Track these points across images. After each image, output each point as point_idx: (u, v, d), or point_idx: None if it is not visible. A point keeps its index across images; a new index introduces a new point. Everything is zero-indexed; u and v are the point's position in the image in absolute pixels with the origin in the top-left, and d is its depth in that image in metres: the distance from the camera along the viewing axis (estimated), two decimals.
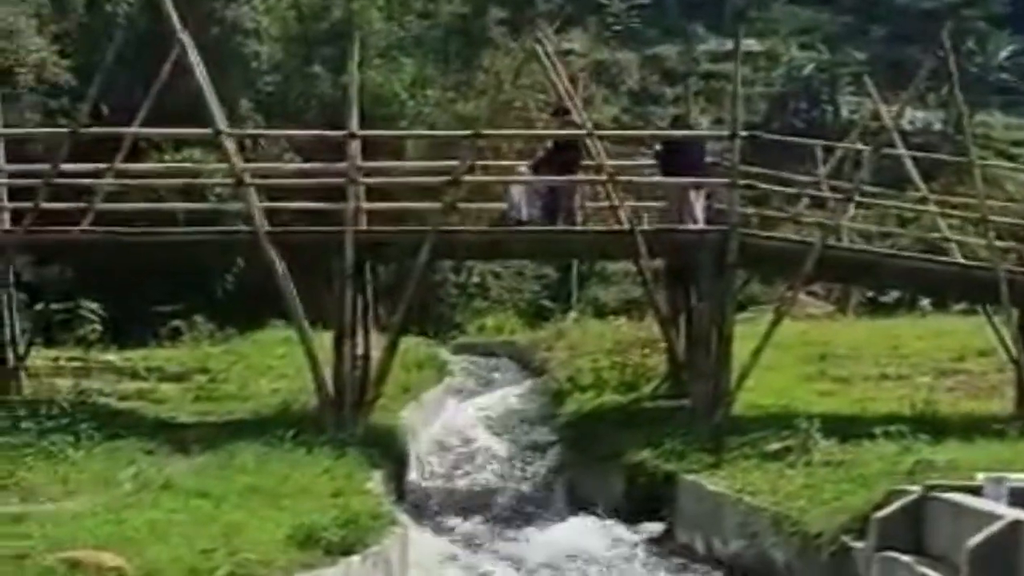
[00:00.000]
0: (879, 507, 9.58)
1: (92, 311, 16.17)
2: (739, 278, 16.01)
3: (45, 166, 14.87)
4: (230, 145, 14.89)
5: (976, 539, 7.57)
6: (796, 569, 10.72)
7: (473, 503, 15.55)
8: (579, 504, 15.04)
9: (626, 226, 14.92)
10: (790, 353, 18.39)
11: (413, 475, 16.20)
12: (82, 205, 15.25)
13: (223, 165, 15.24)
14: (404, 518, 12.87)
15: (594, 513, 14.23)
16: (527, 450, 17.77)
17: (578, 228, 15.48)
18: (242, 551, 7.55)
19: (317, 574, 8.01)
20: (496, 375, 22.56)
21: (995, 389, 16.31)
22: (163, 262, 18.77)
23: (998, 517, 7.69)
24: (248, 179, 14.88)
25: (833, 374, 17.91)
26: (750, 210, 17.44)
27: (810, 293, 27.93)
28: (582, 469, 15.70)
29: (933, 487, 9.18)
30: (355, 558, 8.55)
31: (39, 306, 16.68)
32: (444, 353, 23.07)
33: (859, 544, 9.72)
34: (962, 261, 16.13)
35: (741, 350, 14.95)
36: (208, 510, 9.08)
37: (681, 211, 15.20)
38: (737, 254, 14.51)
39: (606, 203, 16.02)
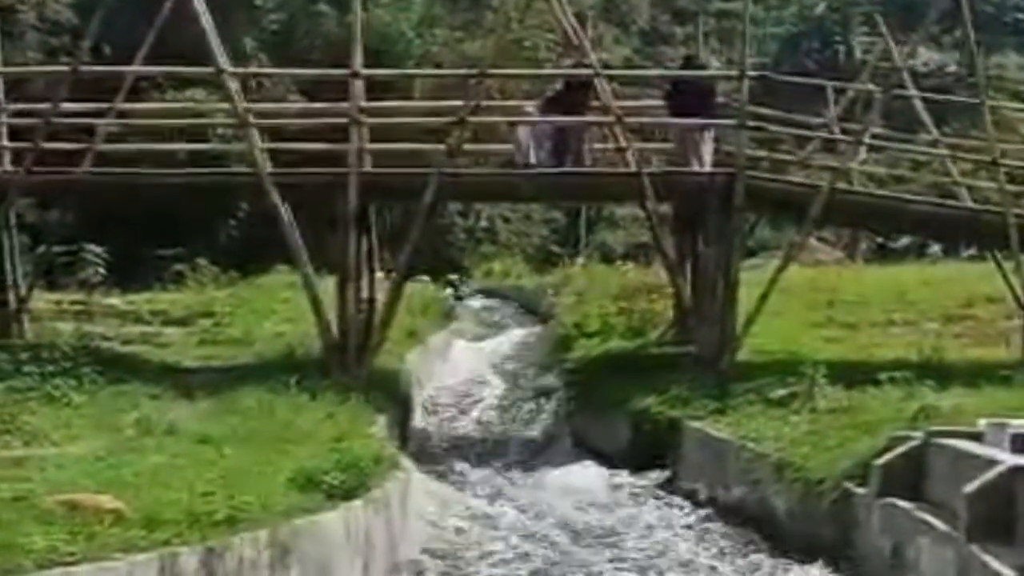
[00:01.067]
0: (881, 453, 9.62)
1: (95, 254, 16.20)
2: (747, 222, 16.02)
3: (46, 105, 14.88)
4: (233, 85, 14.86)
5: (974, 484, 7.62)
6: (797, 516, 10.78)
7: (478, 448, 15.69)
8: (584, 450, 15.17)
9: (633, 168, 14.88)
10: (797, 299, 18.41)
11: (418, 420, 16.30)
12: (83, 146, 15.23)
13: (225, 105, 15.20)
14: (408, 463, 13.01)
15: (599, 459, 14.37)
16: (533, 396, 17.88)
17: (585, 170, 15.47)
18: (242, 495, 7.64)
19: (317, 518, 8.10)
20: (503, 319, 22.64)
21: (1003, 336, 16.32)
22: (165, 204, 18.82)
23: (998, 463, 7.73)
24: (251, 119, 14.87)
25: (840, 320, 17.94)
26: (760, 153, 17.38)
27: (819, 239, 27.92)
28: (587, 415, 15.81)
29: (934, 433, 9.21)
30: (356, 502, 8.63)
31: (41, 249, 16.69)
32: (450, 298, 23.14)
33: (860, 490, 9.77)
34: (972, 205, 16.08)
35: (749, 297, 14.98)
36: (210, 455, 9.14)
37: (688, 153, 15.16)
38: (744, 197, 14.49)
39: (614, 145, 15.96)
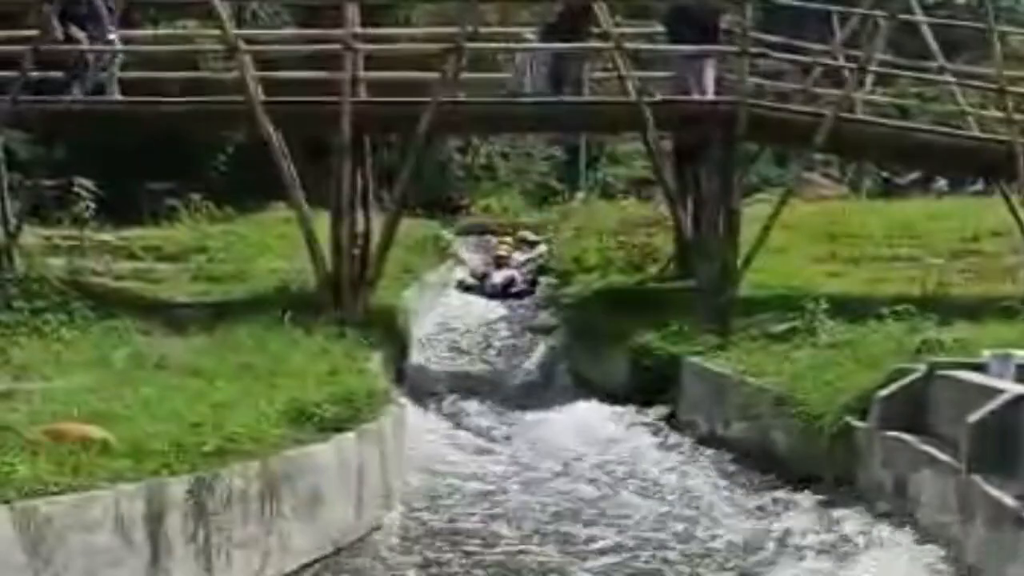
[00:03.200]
0: (883, 386, 9.59)
1: (85, 189, 16.06)
2: (749, 155, 15.89)
3: (33, 32, 14.71)
4: (224, 11, 14.67)
5: (977, 414, 7.58)
6: (797, 450, 10.76)
7: (474, 385, 15.66)
8: (583, 386, 15.15)
9: (633, 97, 14.71)
10: (800, 234, 18.35)
11: (414, 357, 16.28)
12: (71, 75, 15.04)
13: (217, 32, 15.01)
14: (403, 400, 12.99)
15: (598, 395, 14.35)
16: (531, 332, 17.85)
17: (583, 99, 15.31)
18: (232, 426, 7.61)
19: (309, 449, 8.07)
20: None
21: (1008, 271, 16.26)
22: (155, 134, 18.64)
23: (1001, 392, 7.69)
24: (242, 46, 14.68)
25: (843, 256, 17.90)
26: (763, 82, 17.21)
27: (823, 175, 27.78)
28: (586, 351, 15.77)
29: (937, 365, 9.17)
30: (349, 434, 8.60)
31: (30, 183, 16.59)
32: (448, 234, 23.06)
33: (861, 424, 9.75)
34: (979, 134, 15.93)
35: (751, 233, 14.89)
36: (201, 388, 9.10)
37: (689, 82, 14.98)
38: (746, 127, 14.33)
39: (614, 73, 15.78)
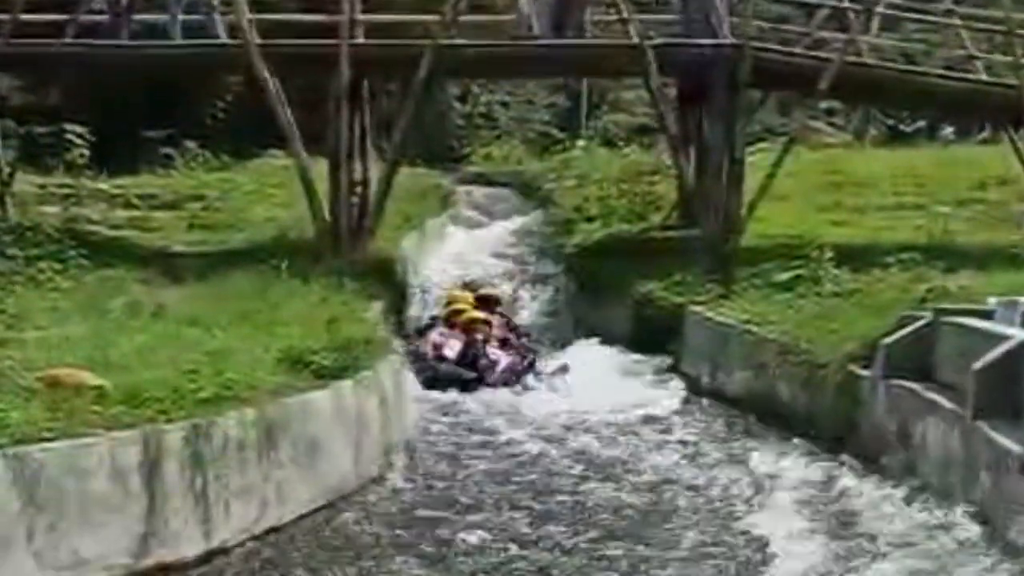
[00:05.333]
0: (888, 334, 9.56)
1: (78, 135, 15.97)
2: (753, 101, 15.78)
3: None
4: None
5: (983, 360, 7.55)
6: (801, 400, 10.75)
7: None
8: (585, 336, 15.10)
9: (635, 40, 14.58)
10: (805, 182, 18.26)
11: (414, 307, 16.24)
12: (64, 17, 14.93)
13: None
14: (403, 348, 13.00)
15: (600, 344, 14.34)
16: (532, 281, 17.79)
17: (586, 42, 15.15)
18: (228, 373, 7.58)
19: (306, 397, 8.04)
20: (502, 205, 22.45)
21: (1015, 218, 16.21)
22: (150, 79, 18.50)
23: (1007, 338, 7.65)
24: None
25: (848, 204, 17.83)
26: (767, 26, 17.07)
27: (828, 123, 27.62)
28: (588, 301, 15.74)
29: (943, 311, 9.13)
30: (347, 382, 8.58)
31: (22, 130, 16.53)
32: (448, 183, 22.94)
33: (866, 372, 9.73)
34: (986, 78, 15.82)
35: (755, 182, 14.83)
36: (197, 336, 9.07)
37: (692, 25, 14.83)
38: (751, 72, 14.23)
39: (616, 16, 15.63)
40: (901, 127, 26.78)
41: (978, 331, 8.34)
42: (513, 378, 13.01)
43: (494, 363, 13.13)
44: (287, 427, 7.69)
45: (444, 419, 11.16)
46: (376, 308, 12.98)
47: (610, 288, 15.15)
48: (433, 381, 12.66)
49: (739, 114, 14.52)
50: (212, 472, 7.01)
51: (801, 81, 15.13)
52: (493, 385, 12.77)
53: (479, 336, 13.43)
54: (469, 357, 13.10)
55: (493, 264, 18.59)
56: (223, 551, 7.03)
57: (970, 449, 7.49)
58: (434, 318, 14.74)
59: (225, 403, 7.31)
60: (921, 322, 9.32)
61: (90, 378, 6.98)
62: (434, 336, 13.80)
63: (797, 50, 15.95)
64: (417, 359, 13.13)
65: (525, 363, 13.40)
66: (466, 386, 12.62)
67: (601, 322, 15.15)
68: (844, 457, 9.34)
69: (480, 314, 13.98)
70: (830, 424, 10.06)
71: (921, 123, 26.62)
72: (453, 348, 13.36)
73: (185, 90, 21.82)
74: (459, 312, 14.04)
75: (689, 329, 13.38)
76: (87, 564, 6.27)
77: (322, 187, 14.52)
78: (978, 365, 7.58)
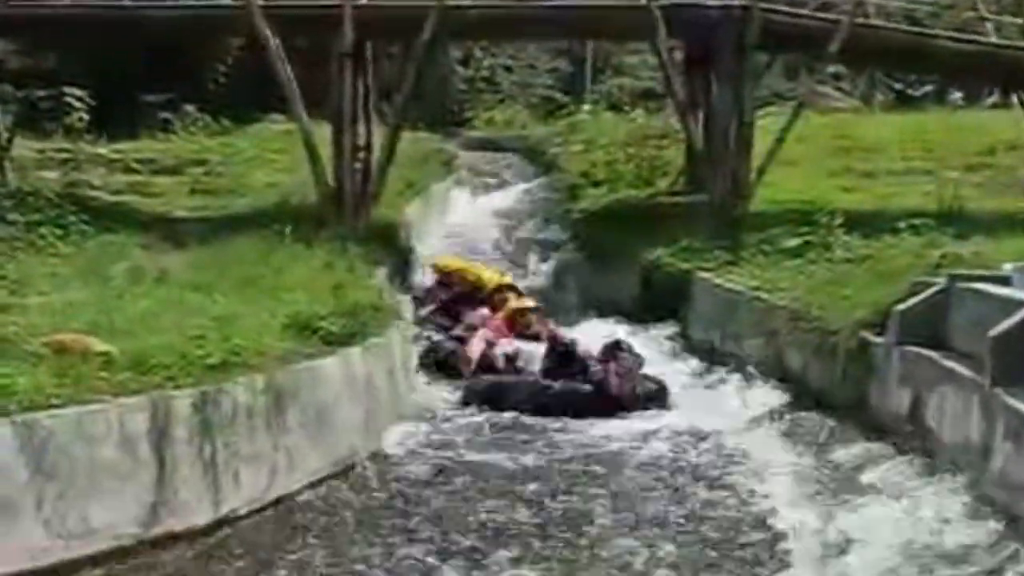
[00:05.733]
0: (901, 301, 9.48)
1: (77, 98, 15.86)
2: (761, 64, 15.65)
3: None
4: None
5: (1001, 327, 7.47)
6: (812, 367, 10.68)
7: None
8: (591, 303, 15.05)
9: (642, 1, 14.43)
10: (813, 147, 18.18)
11: (418, 273, 16.18)
12: None
13: None
14: (408, 315, 12.93)
15: (607, 312, 14.27)
16: (538, 247, 17.72)
17: (592, 3, 15.02)
18: (236, 339, 7.52)
19: (314, 364, 7.98)
20: (506, 171, 22.37)
21: None
22: (149, 41, 18.35)
23: None
24: None
25: (857, 169, 17.74)
26: None
27: (836, 88, 27.49)
28: (595, 267, 15.67)
29: (958, 277, 9.05)
30: (355, 349, 8.51)
31: (20, 94, 16.43)
32: (451, 148, 22.85)
33: (879, 339, 9.65)
34: (997, 40, 15.69)
35: (763, 147, 14.72)
36: (202, 302, 9.01)
37: None
38: (759, 34, 14.10)
39: None
40: (909, 91, 26.66)
41: (995, 297, 8.25)
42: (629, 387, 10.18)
43: (604, 371, 10.16)
44: (296, 394, 7.62)
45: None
46: (381, 273, 12.91)
47: (617, 254, 15.07)
48: (514, 402, 9.84)
49: (747, 77, 14.40)
50: (221, 440, 6.96)
51: (810, 43, 15.00)
52: (624, 402, 10.01)
53: (541, 330, 11.00)
54: (565, 365, 10.09)
55: (497, 230, 18.53)
56: (232, 520, 6.98)
57: (988, 417, 7.42)
58: (452, 302, 12.90)
59: (234, 369, 7.25)
60: (935, 288, 9.23)
61: (96, 344, 6.92)
62: (479, 336, 11.10)
63: (805, 12, 15.82)
64: (446, 363, 10.93)
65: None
66: (588, 409, 9.75)
67: (607, 288, 15.09)
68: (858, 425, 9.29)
69: (529, 301, 11.87)
70: (842, 391, 10.00)
71: (929, 88, 26.50)
72: (532, 354, 10.54)
73: (185, 53, 21.68)
74: (494, 299, 11.83)
75: (697, 296, 13.31)
76: (96, 533, 6.23)
77: (324, 152, 14.42)
78: (996, 331, 7.50)
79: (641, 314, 13.94)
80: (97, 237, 12.48)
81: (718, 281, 12.91)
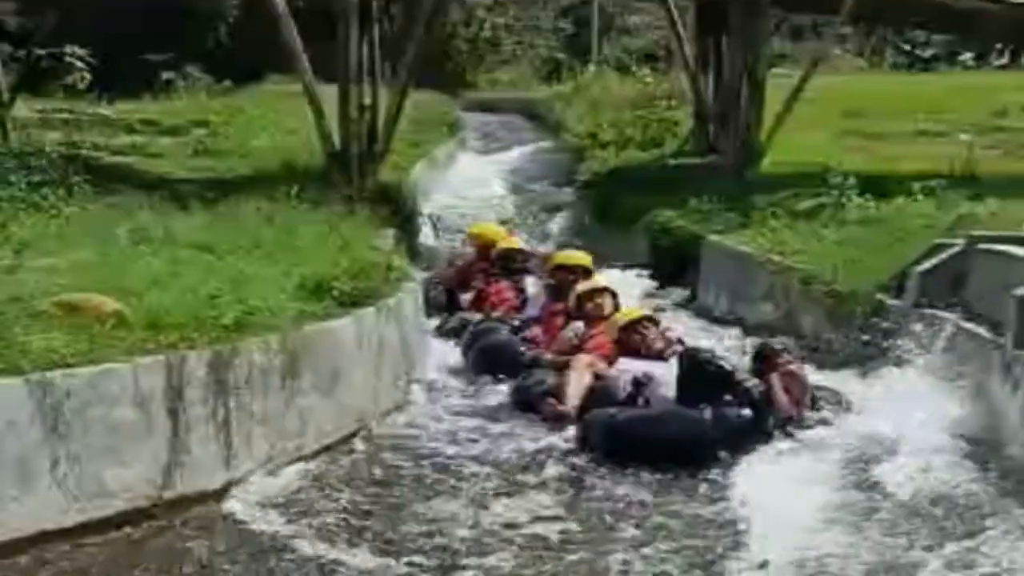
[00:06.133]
0: (918, 262, 9.43)
1: (79, 58, 15.78)
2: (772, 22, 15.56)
3: None
4: None
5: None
6: (825, 331, 10.63)
7: None
8: (600, 266, 14.96)
9: None
10: (823, 109, 18.08)
11: (424, 235, 16.14)
12: None
13: None
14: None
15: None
16: (544, 210, 17.66)
17: None
18: (249, 300, 7.46)
19: (328, 325, 7.93)
20: (511, 132, 22.29)
21: None
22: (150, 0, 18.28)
23: None
24: None
25: (867, 131, 17.66)
26: None
27: (844, 50, 27.35)
28: (602, 230, 15.60)
29: (977, 238, 9.00)
30: (369, 310, 8.45)
31: (21, 54, 16.32)
32: (455, 109, 22.76)
33: (896, 302, 9.60)
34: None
35: (771, 109, 14.64)
36: (212, 263, 8.94)
37: None
38: None
39: None
40: (918, 52, 26.53)
41: (1016, 258, 8.21)
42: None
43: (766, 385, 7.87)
44: (310, 355, 7.57)
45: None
46: (389, 234, 12.84)
47: (626, 217, 15.00)
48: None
49: (760, 36, 14.29)
50: (235, 401, 6.91)
51: (823, 3, 14.89)
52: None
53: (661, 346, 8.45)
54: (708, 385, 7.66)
55: (503, 190, 18.47)
56: (247, 481, 6.94)
57: (1013, 379, 7.39)
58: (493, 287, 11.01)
59: (247, 330, 7.19)
60: (954, 249, 9.19)
61: (109, 303, 6.86)
62: (583, 364, 8.36)
63: None
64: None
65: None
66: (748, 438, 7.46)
67: (615, 252, 15.00)
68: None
69: (646, 308, 9.45)
70: (858, 355, 9.94)
71: (937, 49, 26.37)
72: (662, 377, 7.87)
73: (188, 12, 21.55)
74: (590, 300, 9.19)
75: (707, 259, 13.24)
76: (112, 495, 6.20)
77: (330, 112, 14.33)
78: (1019, 292, 7.46)
79: (650, 277, 13.87)
80: (100, 198, 12.38)
81: (728, 244, 12.84)
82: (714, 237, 13.19)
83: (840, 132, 17.46)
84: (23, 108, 16.16)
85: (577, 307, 9.50)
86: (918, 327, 8.90)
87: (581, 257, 10.52)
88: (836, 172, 12.99)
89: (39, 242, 9.78)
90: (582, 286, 9.62)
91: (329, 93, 14.57)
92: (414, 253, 14.61)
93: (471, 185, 18.70)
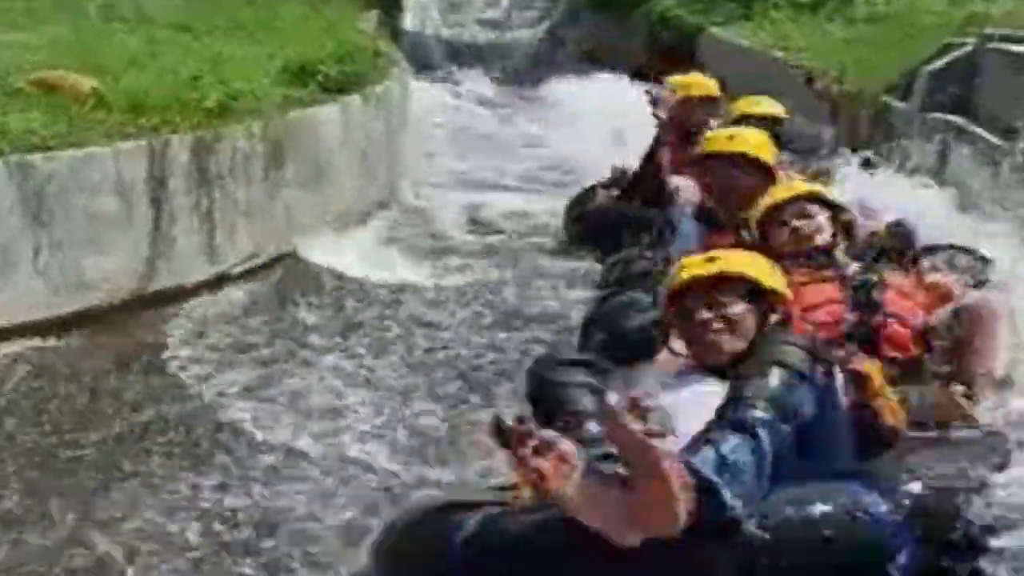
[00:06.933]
0: (927, 62, 9.29)
1: None
2: None
3: None
4: None
5: None
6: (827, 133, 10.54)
7: (474, 56, 15.28)
8: (593, 60, 14.74)
9: None
10: None
11: (408, 21, 15.87)
12: None
13: None
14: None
15: (609, 70, 14.01)
16: None
17: None
18: (232, 82, 7.31)
19: (315, 111, 7.80)
20: None
21: None
22: None
23: None
24: None
25: None
26: None
27: None
28: (598, 21, 15.33)
29: (990, 37, 8.84)
30: (355, 96, 8.32)
31: None
32: None
33: (902, 104, 9.50)
34: None
35: None
36: (190, 43, 8.76)
37: None
38: None
39: None
40: None
41: None
42: None
43: None
44: (295, 142, 7.47)
45: None
46: (373, 17, 12.59)
47: (623, 4, 14.70)
48: None
49: None
50: (219, 189, 6.84)
51: None
52: None
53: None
54: None
55: None
56: (229, 277, 6.93)
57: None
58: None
59: (231, 114, 7.07)
60: (965, 49, 9.04)
61: (87, 81, 6.72)
62: None
63: None
64: None
65: None
66: None
67: (611, 45, 14.79)
68: None
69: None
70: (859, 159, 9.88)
71: None
72: None
73: None
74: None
75: (705, 53, 13.06)
76: (93, 286, 6.17)
77: None
78: None
79: (646, 72, 13.69)
80: None
81: (728, 37, 12.65)
82: (714, 29, 13.00)
83: None
84: None
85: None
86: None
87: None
88: None
89: (6, 15, 9.55)
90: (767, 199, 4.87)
91: None
92: (396, 36, 14.36)
93: None
